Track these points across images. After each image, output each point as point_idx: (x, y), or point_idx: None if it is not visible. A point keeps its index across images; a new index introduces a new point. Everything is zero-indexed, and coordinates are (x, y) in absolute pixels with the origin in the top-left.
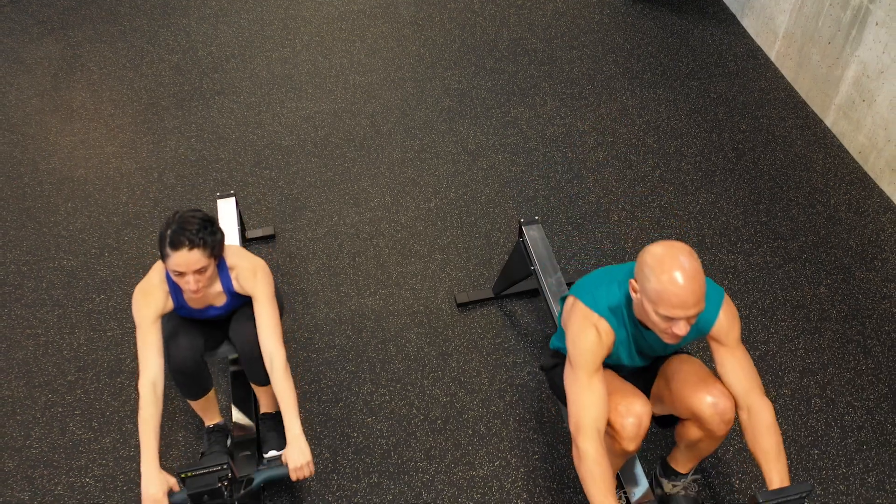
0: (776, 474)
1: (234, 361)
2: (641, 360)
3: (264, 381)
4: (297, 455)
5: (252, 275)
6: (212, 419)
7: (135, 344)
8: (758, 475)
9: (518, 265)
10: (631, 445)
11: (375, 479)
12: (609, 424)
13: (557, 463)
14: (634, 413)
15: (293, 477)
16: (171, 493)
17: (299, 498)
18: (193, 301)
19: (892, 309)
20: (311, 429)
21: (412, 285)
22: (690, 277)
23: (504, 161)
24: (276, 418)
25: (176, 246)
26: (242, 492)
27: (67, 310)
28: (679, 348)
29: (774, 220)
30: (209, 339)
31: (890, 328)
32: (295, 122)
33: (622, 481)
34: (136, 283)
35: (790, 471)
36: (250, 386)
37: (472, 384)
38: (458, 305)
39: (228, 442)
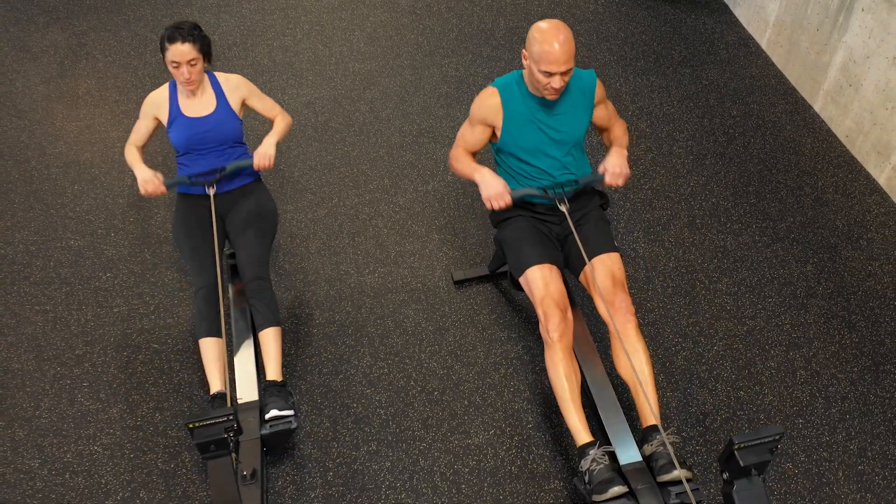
0: (621, 138)
1: (232, 256)
2: (554, 142)
3: (269, 318)
4: (262, 150)
5: (236, 81)
6: (216, 386)
7: (140, 317)
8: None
9: None
10: (561, 341)
11: (374, 447)
12: (546, 332)
13: (551, 432)
14: (555, 324)
15: (256, 162)
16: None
17: (301, 465)
18: (188, 106)
19: (877, 286)
20: (312, 399)
21: (410, 264)
22: (563, 42)
23: None
24: (278, 385)
25: (172, 40)
26: (218, 176)
27: (75, 287)
28: (608, 247)
29: (763, 202)
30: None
31: (874, 304)
32: (296, 107)
33: (611, 440)
34: (142, 262)
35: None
36: (255, 356)
37: (468, 357)
38: (455, 283)
39: None
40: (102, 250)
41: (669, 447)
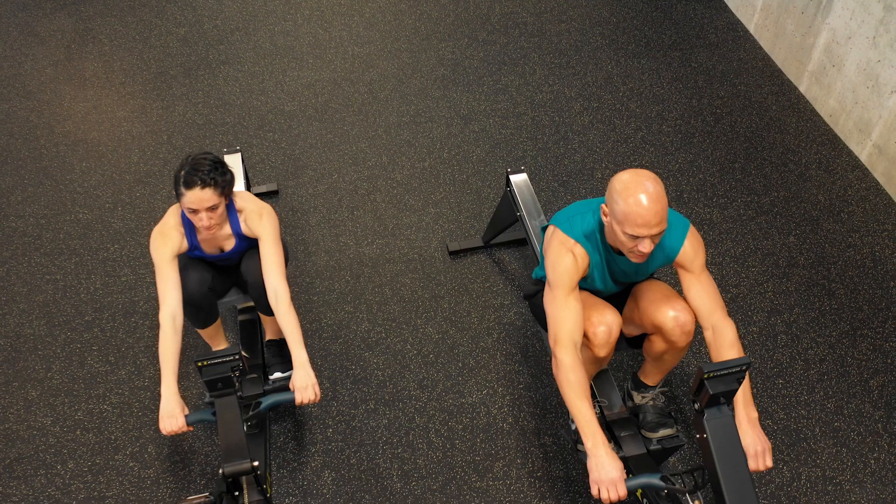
0: (742, 398)
1: (243, 311)
2: (615, 285)
3: (271, 311)
4: (302, 380)
5: (258, 217)
6: (219, 347)
7: (147, 286)
8: None
9: (505, 212)
10: (602, 351)
11: (372, 406)
12: (584, 334)
13: (541, 392)
14: (605, 322)
15: (298, 400)
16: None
17: (301, 422)
18: (206, 243)
19: (856, 256)
20: (313, 362)
21: (407, 236)
22: (653, 200)
23: (495, 124)
24: (280, 344)
25: (190, 185)
26: (251, 413)
27: (84, 258)
28: (649, 274)
29: (749, 178)
30: (218, 283)
31: (853, 273)
32: (297, 89)
33: (596, 392)
34: (148, 234)
35: (756, 397)
36: (257, 323)
37: (463, 323)
38: (450, 253)
39: None
40: (110, 223)
41: (663, 403)
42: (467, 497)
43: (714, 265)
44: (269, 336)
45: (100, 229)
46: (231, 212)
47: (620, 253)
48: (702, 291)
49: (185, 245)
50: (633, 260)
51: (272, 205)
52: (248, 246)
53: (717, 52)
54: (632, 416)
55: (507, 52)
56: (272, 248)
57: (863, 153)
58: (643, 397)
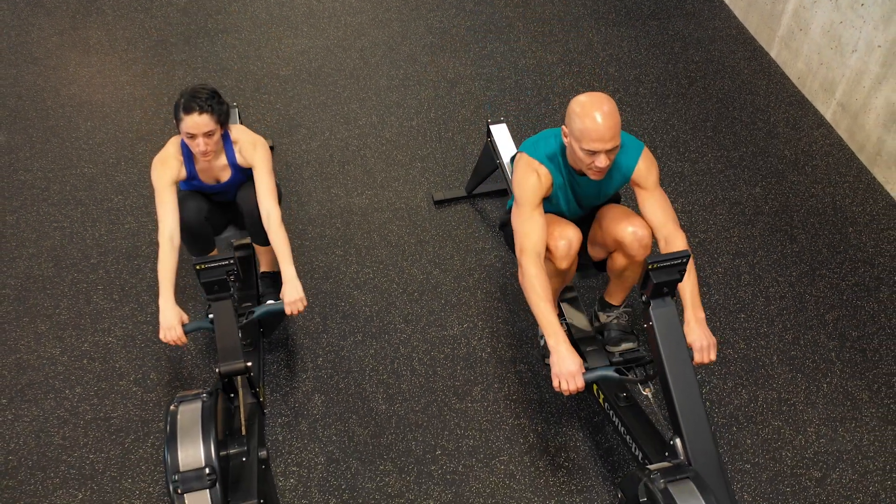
0: (689, 286)
1: (239, 248)
2: (578, 208)
3: (264, 241)
4: (292, 292)
5: (252, 147)
6: None
7: (149, 233)
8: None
9: (486, 161)
10: (563, 263)
11: (360, 338)
12: (547, 248)
13: (518, 325)
14: (566, 237)
15: (287, 311)
16: (183, 325)
17: (293, 352)
18: (203, 173)
19: (818, 205)
20: (306, 299)
21: (395, 188)
22: (607, 117)
23: (479, 87)
24: (274, 276)
25: (189, 110)
26: (244, 321)
27: (89, 208)
28: (610, 197)
29: (719, 135)
30: (215, 216)
31: (814, 220)
32: (291, 55)
33: (563, 312)
34: (151, 187)
35: (718, 330)
36: (253, 260)
37: (446, 265)
38: (435, 203)
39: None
40: (114, 176)
41: (625, 321)
42: (447, 417)
43: (683, 213)
44: (263, 268)
45: (104, 182)
46: (227, 143)
47: (582, 174)
48: (655, 206)
49: (183, 173)
50: (592, 177)
51: None
52: (244, 179)
53: (693, 21)
54: (597, 334)
55: (493, 21)
56: (266, 175)
57: (828, 112)
58: (608, 316)
